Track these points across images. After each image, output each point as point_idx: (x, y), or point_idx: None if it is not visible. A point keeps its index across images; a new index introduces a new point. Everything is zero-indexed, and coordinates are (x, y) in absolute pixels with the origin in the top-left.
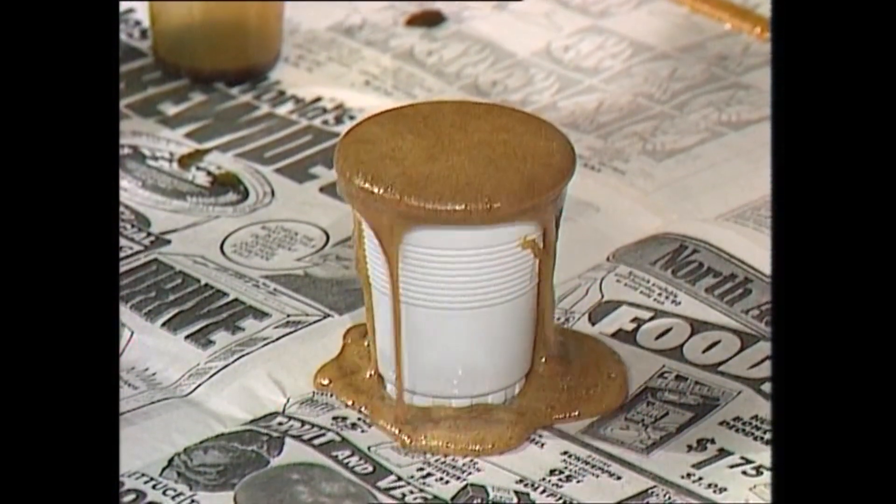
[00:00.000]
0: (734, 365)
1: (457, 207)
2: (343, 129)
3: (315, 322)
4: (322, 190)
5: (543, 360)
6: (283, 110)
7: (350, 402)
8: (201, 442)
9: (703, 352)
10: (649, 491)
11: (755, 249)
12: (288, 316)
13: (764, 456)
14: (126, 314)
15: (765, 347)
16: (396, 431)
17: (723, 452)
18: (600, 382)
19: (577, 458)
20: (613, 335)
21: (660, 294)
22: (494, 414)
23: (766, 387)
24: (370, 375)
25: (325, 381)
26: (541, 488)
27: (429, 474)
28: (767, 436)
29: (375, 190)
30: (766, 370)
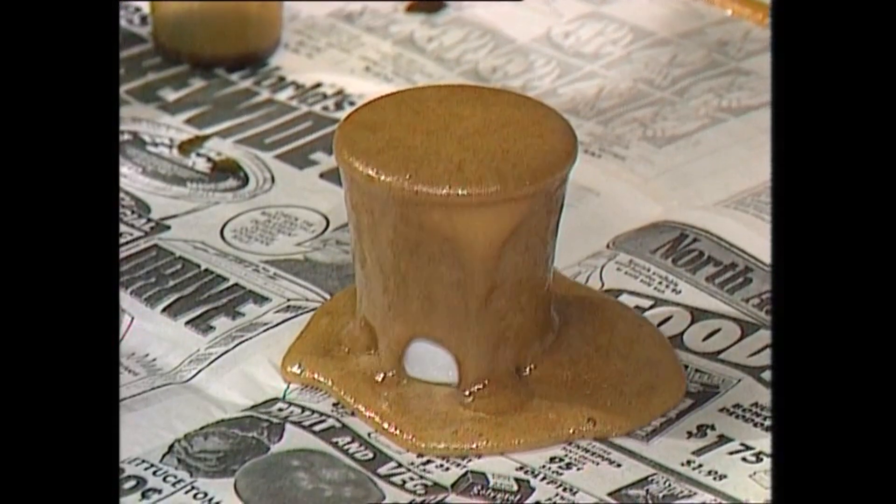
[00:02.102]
0: (734, 353)
1: (458, 192)
2: (343, 115)
3: (315, 307)
4: (322, 176)
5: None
6: (283, 96)
7: (351, 399)
8: (201, 428)
9: (704, 340)
10: (649, 478)
11: (755, 238)
12: (288, 300)
13: (764, 442)
14: (126, 300)
15: (765, 336)
16: (399, 433)
17: (723, 439)
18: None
19: (577, 446)
20: None
21: (660, 282)
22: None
23: (767, 374)
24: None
25: (297, 370)
26: (541, 475)
27: (429, 461)
28: (767, 422)
29: (375, 175)
30: (766, 358)
